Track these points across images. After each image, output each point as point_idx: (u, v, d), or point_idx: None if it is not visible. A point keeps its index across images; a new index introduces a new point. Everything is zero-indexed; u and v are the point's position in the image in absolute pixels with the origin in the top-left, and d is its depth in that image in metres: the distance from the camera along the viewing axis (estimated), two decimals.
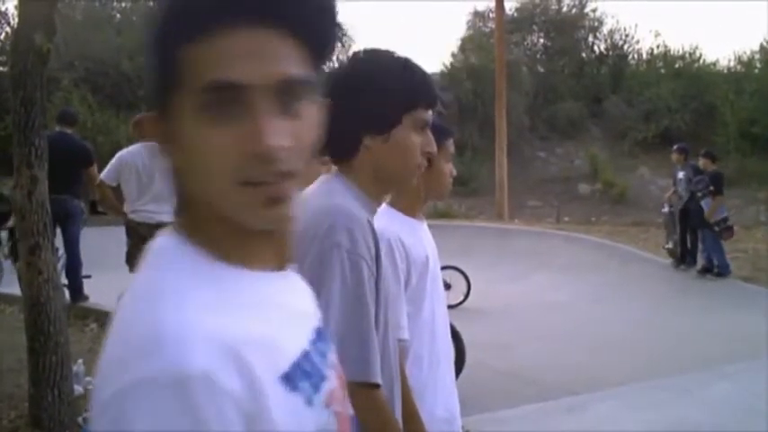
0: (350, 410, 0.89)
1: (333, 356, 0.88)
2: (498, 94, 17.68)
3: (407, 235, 2.13)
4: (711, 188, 9.77)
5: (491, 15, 24.32)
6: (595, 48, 27.62)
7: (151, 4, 0.76)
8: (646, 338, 7.49)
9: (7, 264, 7.78)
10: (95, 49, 19.43)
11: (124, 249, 5.87)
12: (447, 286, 6.87)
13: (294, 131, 0.73)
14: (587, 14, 27.27)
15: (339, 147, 1.60)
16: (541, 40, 27.74)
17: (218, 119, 0.71)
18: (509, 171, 17.57)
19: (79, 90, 18.10)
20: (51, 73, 4.00)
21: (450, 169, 2.28)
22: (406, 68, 1.56)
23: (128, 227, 5.93)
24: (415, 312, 2.10)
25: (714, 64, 25.05)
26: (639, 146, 22.75)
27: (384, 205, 2.18)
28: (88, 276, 7.45)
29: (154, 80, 0.76)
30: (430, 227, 2.34)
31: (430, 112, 1.59)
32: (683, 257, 10.38)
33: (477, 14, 27.37)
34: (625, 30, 27.18)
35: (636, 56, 27.18)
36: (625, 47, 27.18)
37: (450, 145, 2.29)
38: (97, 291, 7.14)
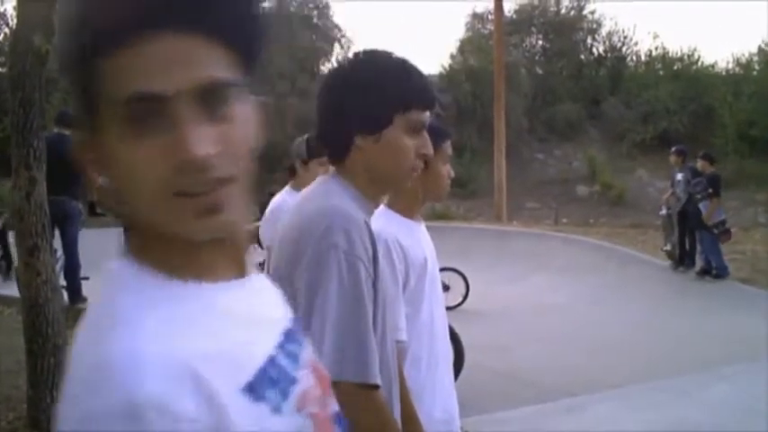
0: (332, 409, 0.88)
1: (307, 355, 0.86)
2: (497, 95, 17.70)
3: (405, 236, 2.13)
4: (710, 190, 9.77)
5: (490, 17, 24.36)
6: (594, 49, 27.68)
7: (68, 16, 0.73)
8: (644, 340, 7.49)
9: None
10: None
11: None
12: (445, 288, 6.86)
13: (224, 136, 0.71)
14: (586, 16, 27.33)
15: (332, 146, 1.61)
16: (540, 42, 27.79)
17: (143, 131, 0.69)
18: (507, 173, 17.58)
19: None
20: (50, 74, 4.00)
21: (447, 171, 2.28)
22: (400, 69, 1.56)
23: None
24: (413, 314, 2.10)
25: (712, 66, 25.13)
26: (638, 148, 22.78)
27: (382, 207, 2.19)
28: (87, 278, 7.44)
29: (77, 97, 0.73)
30: (428, 228, 2.34)
31: (426, 114, 1.58)
32: (682, 259, 10.39)
33: (476, 16, 27.44)
34: (623, 31, 27.28)
35: (634, 58, 27.27)
36: (623, 49, 27.24)
37: (448, 147, 2.29)
38: (96, 292, 7.13)
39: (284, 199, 4.05)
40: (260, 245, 4.79)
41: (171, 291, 0.73)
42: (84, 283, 7.43)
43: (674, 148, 10.89)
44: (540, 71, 26.69)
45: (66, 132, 7.25)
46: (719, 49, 34.74)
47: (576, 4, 27.24)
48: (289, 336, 0.84)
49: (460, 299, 8.90)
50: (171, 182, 0.69)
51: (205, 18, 0.70)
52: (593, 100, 25.19)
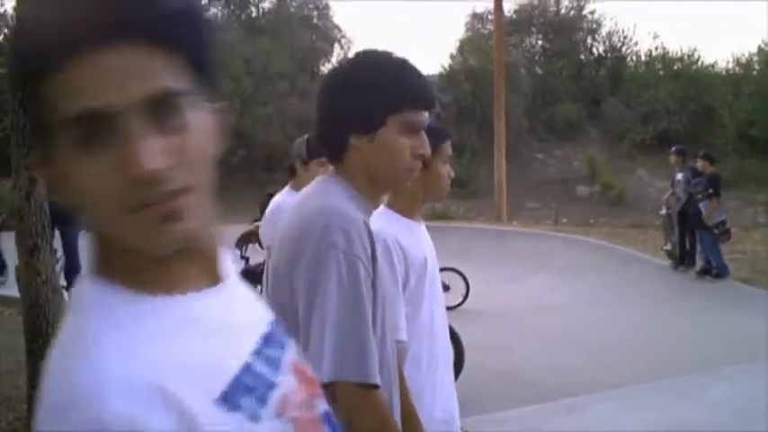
0: (320, 410, 0.87)
1: (290, 358, 0.85)
2: (497, 95, 17.70)
3: (405, 236, 2.13)
4: (710, 190, 9.77)
5: (490, 17, 24.37)
6: (594, 50, 27.69)
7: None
8: (644, 340, 7.49)
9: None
10: None
11: None
12: (446, 288, 6.86)
13: (176, 146, 0.70)
14: (585, 16, 27.34)
15: (330, 147, 1.61)
16: (540, 42, 27.81)
17: (95, 148, 0.68)
18: (507, 173, 17.58)
19: None
20: None
21: (447, 171, 2.28)
22: (396, 69, 1.56)
23: None
24: (413, 314, 2.10)
25: (712, 66, 25.15)
26: (638, 147, 22.79)
27: (382, 207, 2.19)
28: None
29: (30, 115, 0.72)
30: (428, 228, 2.34)
31: (423, 114, 1.58)
32: (682, 259, 10.39)
33: (476, 16, 27.46)
34: (623, 31, 27.31)
35: (634, 58, 27.29)
36: (623, 49, 27.26)
37: (448, 147, 2.29)
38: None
39: (284, 199, 4.05)
40: (260, 245, 4.80)
41: (139, 306, 0.73)
42: None
43: (673, 148, 10.89)
44: (539, 71, 26.71)
45: None
46: (719, 49, 34.83)
47: (575, 4, 27.28)
48: (268, 340, 0.83)
49: (461, 299, 8.90)
50: (125, 198, 0.68)
51: (151, 29, 0.68)
52: (593, 100, 25.21)
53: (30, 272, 4.05)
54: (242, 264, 7.37)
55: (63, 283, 6.30)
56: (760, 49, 24.33)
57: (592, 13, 27.23)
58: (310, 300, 1.41)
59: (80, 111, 0.67)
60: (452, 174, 2.31)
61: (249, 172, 20.83)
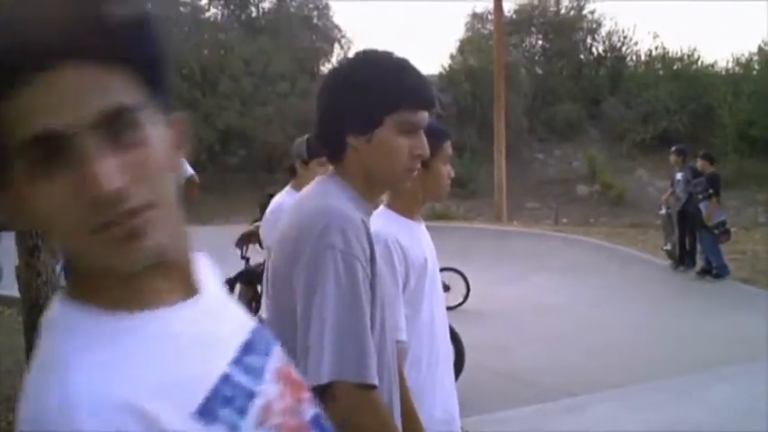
0: (309, 415, 0.86)
1: (274, 364, 0.84)
2: (497, 95, 17.70)
3: (405, 237, 2.13)
4: (710, 191, 9.77)
5: (489, 17, 24.36)
6: (594, 49, 27.68)
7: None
8: (645, 340, 7.49)
9: (6, 264, 7.76)
10: None
11: None
12: (446, 288, 6.87)
13: (135, 162, 0.69)
14: (585, 16, 27.34)
15: (329, 146, 1.61)
16: (540, 42, 27.80)
17: (52, 171, 0.67)
18: (507, 173, 17.58)
19: None
20: None
21: (447, 171, 2.28)
22: (394, 69, 1.56)
23: None
24: (413, 314, 2.10)
25: (712, 66, 25.15)
26: (638, 147, 22.79)
27: (382, 207, 2.19)
28: None
29: None
30: (428, 228, 2.34)
31: (422, 114, 1.57)
32: (682, 259, 10.39)
33: (476, 16, 27.45)
34: (623, 31, 27.30)
35: (634, 57, 27.27)
36: (623, 48, 27.25)
37: (448, 147, 2.29)
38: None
39: (285, 199, 4.05)
40: (261, 245, 4.80)
41: (112, 326, 0.72)
42: None
43: (674, 148, 10.89)
44: (539, 71, 26.70)
45: None
46: (719, 49, 34.73)
47: (575, 3, 27.28)
48: (248, 348, 0.82)
49: (461, 299, 8.90)
50: (87, 219, 0.67)
51: (103, 46, 0.68)
52: (592, 100, 25.20)
53: (30, 272, 4.05)
54: (243, 264, 7.38)
55: (63, 283, 6.30)
56: (760, 49, 24.34)
57: (592, 12, 27.27)
58: (309, 300, 1.41)
59: (36, 132, 0.66)
60: (452, 174, 2.31)
61: (249, 172, 20.84)
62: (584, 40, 27.57)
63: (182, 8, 24.90)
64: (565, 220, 17.23)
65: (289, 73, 23.36)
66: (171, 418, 0.68)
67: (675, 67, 25.04)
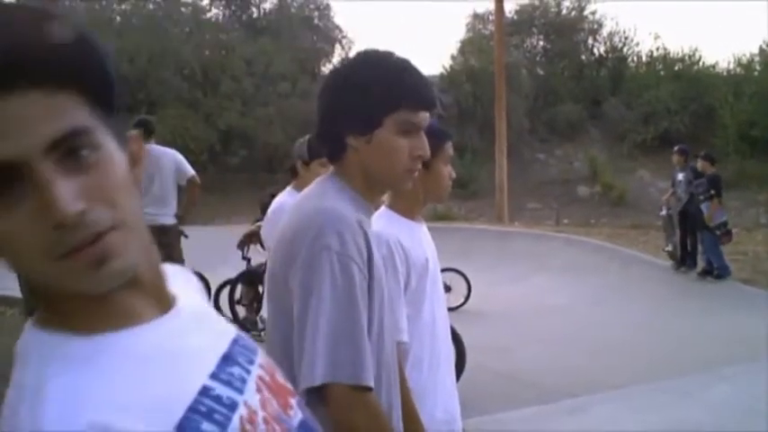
0: (296, 421, 0.86)
1: (256, 373, 0.84)
2: (498, 96, 17.69)
3: (407, 237, 2.13)
4: (712, 192, 9.76)
5: (491, 18, 24.36)
6: (595, 50, 27.69)
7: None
8: (646, 341, 7.48)
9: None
10: None
11: None
12: (447, 289, 6.87)
13: (93, 185, 0.68)
14: (586, 17, 27.34)
15: (329, 147, 1.61)
16: (541, 43, 27.81)
17: (10, 201, 0.66)
18: (509, 173, 17.57)
19: None
20: None
21: (449, 172, 2.28)
22: (394, 70, 1.55)
23: None
24: (414, 315, 2.10)
25: (713, 66, 25.14)
26: (639, 148, 22.79)
27: (383, 208, 2.19)
28: None
29: None
30: (430, 229, 2.34)
31: (422, 115, 1.57)
32: (683, 260, 10.38)
33: (477, 17, 27.45)
34: (624, 32, 27.31)
35: (635, 58, 27.28)
36: (624, 49, 27.24)
37: (449, 148, 2.29)
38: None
39: (286, 199, 4.05)
40: (262, 245, 4.80)
41: (87, 348, 0.71)
42: None
43: (676, 148, 10.86)
44: (540, 72, 26.71)
45: None
46: (720, 50, 34.90)
47: (576, 4, 27.28)
48: (228, 359, 0.81)
49: (462, 299, 8.90)
50: (51, 246, 0.67)
51: (50, 71, 0.67)
52: (594, 100, 25.20)
53: None
54: (244, 264, 7.39)
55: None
56: (761, 50, 24.32)
57: (593, 13, 27.28)
58: (305, 301, 1.40)
59: None
60: (454, 174, 2.31)
61: (250, 172, 20.86)
62: (586, 41, 27.58)
63: (183, 9, 24.94)
64: (566, 221, 17.23)
65: (290, 73, 23.37)
66: None
67: (676, 68, 25.04)
